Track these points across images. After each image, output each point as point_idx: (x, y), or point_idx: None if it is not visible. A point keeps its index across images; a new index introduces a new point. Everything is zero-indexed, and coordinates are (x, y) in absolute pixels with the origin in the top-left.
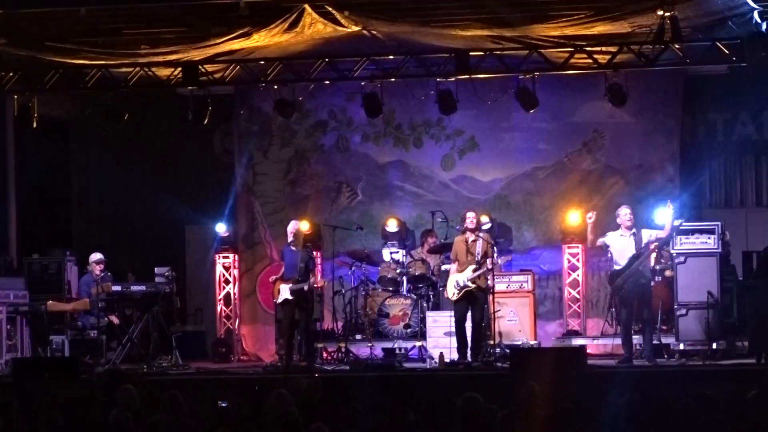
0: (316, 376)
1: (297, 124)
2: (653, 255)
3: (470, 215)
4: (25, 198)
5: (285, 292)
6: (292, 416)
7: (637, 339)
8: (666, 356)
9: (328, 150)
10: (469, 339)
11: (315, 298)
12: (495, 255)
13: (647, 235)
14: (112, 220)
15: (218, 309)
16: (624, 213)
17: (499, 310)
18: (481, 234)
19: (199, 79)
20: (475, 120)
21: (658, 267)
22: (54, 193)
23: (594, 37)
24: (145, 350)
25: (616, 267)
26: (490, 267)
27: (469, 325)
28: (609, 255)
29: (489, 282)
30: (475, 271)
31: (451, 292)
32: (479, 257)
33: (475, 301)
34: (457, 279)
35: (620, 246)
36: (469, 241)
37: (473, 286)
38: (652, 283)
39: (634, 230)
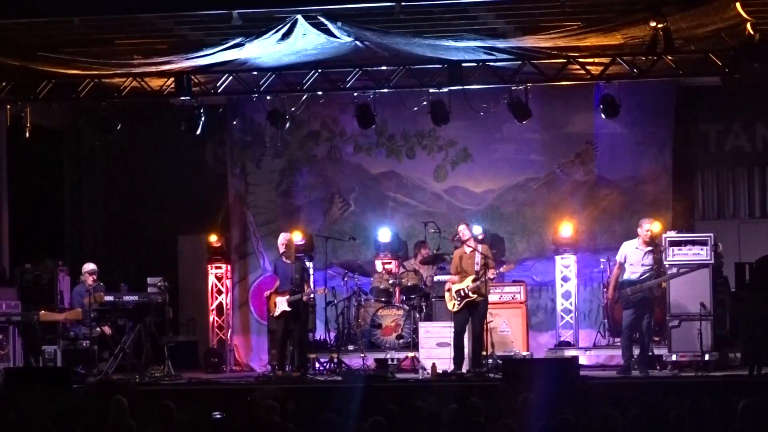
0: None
1: (289, 134)
2: None
3: (461, 228)
4: (17, 208)
5: (282, 304)
6: (277, 426)
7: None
8: (658, 367)
9: (320, 160)
10: (468, 350)
11: (308, 309)
12: (494, 266)
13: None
14: (104, 230)
15: (211, 319)
16: (645, 229)
17: (492, 321)
18: (479, 246)
19: (192, 90)
20: (467, 131)
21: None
22: (46, 203)
23: (587, 48)
24: (138, 360)
25: (631, 276)
26: (491, 277)
27: (467, 336)
28: (602, 266)
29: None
30: (474, 281)
31: (451, 303)
32: (478, 267)
33: (476, 310)
34: (457, 289)
35: (635, 259)
36: (467, 253)
37: (474, 296)
38: None
39: (652, 247)
